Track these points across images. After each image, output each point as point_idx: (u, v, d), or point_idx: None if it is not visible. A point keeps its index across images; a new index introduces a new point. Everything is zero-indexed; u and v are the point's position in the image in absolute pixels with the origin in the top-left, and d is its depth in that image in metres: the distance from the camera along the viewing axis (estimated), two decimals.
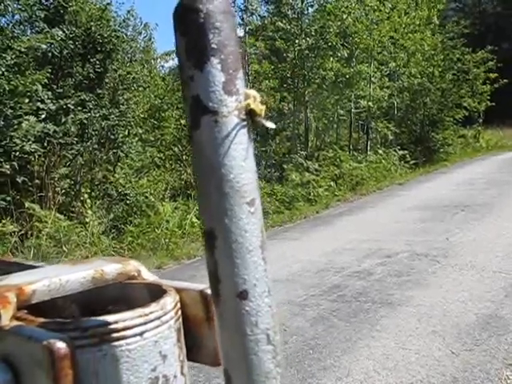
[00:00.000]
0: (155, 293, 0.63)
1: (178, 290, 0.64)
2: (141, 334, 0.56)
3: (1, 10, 7.41)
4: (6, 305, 0.56)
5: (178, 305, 0.62)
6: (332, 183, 12.67)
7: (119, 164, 9.36)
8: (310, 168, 12.84)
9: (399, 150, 17.04)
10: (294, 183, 11.83)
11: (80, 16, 8.78)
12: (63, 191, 8.21)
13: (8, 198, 7.11)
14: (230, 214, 0.46)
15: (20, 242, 6.96)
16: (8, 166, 7.02)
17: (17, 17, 7.95)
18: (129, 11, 10.73)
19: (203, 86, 0.45)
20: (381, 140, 18.05)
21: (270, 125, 0.51)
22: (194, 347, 0.65)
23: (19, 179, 7.25)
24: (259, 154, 12.85)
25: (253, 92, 0.48)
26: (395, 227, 8.46)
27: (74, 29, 8.50)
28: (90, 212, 7.91)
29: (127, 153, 9.37)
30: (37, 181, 7.65)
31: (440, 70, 19.89)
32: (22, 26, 8.19)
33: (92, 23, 8.77)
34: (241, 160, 0.46)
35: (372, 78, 15.91)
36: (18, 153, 7.13)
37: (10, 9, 7.58)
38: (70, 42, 8.31)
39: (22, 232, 7.09)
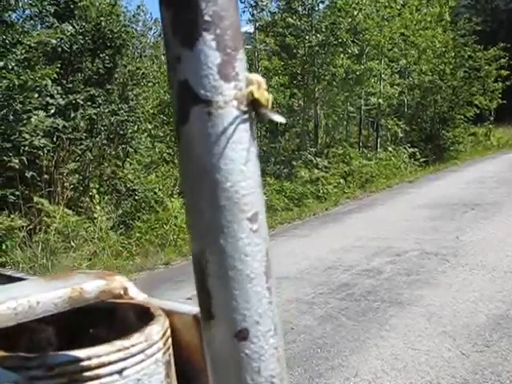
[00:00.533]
0: (143, 315, 0.55)
1: (169, 313, 0.55)
2: (120, 371, 0.48)
3: (12, 5, 7.40)
4: None
5: (168, 332, 0.53)
6: (341, 180, 12.61)
7: (128, 159, 9.35)
8: (320, 165, 12.77)
9: (409, 147, 16.93)
10: (303, 180, 11.78)
11: (90, 11, 8.76)
12: (72, 186, 8.21)
13: (17, 193, 7.11)
14: (227, 233, 0.37)
15: (28, 237, 6.97)
16: (17, 161, 7.02)
17: (27, 12, 7.96)
18: (139, 6, 10.77)
19: (193, 68, 0.36)
20: (391, 137, 17.93)
21: (279, 119, 0.41)
22: (188, 380, 0.56)
23: (28, 174, 7.25)
24: (268, 151, 12.79)
25: (257, 77, 0.39)
26: (405, 225, 8.40)
27: (83, 24, 8.49)
28: (98, 207, 7.91)
29: (136, 148, 9.35)
30: (45, 176, 7.65)
31: (451, 67, 19.73)
32: (32, 21, 8.20)
33: (102, 18, 8.76)
34: (240, 163, 0.37)
35: (382, 75, 15.80)
36: (27, 147, 7.13)
37: (20, 4, 7.58)
38: (80, 37, 8.29)
39: (31, 227, 7.09)
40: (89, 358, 0.46)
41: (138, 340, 0.49)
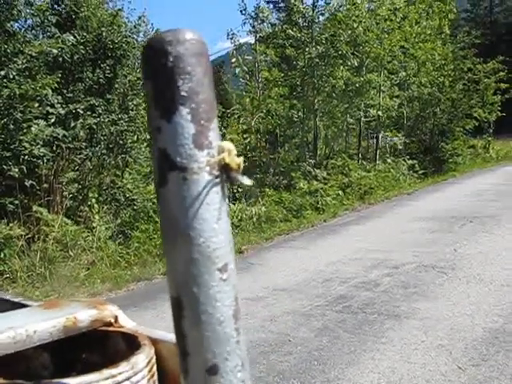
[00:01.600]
0: (131, 343, 0.59)
1: (154, 342, 0.59)
2: None
3: (14, 15, 7.45)
4: None
5: (153, 360, 0.57)
6: (340, 192, 12.61)
7: (127, 169, 9.36)
8: (319, 176, 12.79)
9: (408, 159, 16.97)
10: (302, 191, 11.79)
11: (91, 21, 8.81)
12: (71, 195, 8.21)
13: (16, 202, 7.12)
14: (199, 282, 0.42)
15: (27, 246, 6.97)
16: (16, 170, 7.03)
17: (29, 22, 8.00)
18: (140, 17, 10.67)
19: (171, 138, 0.41)
20: (390, 149, 17.98)
21: (247, 181, 0.47)
22: None
23: (27, 183, 7.26)
24: (267, 162, 12.83)
25: (228, 144, 0.44)
26: (403, 237, 8.40)
27: (85, 34, 8.53)
28: (97, 217, 7.92)
29: (135, 158, 9.37)
30: (45, 185, 7.66)
31: (450, 79, 19.82)
32: (34, 31, 8.24)
33: (103, 29, 8.79)
34: (213, 222, 0.42)
35: (382, 87, 15.87)
36: (26, 156, 7.14)
37: (22, 14, 7.63)
38: (81, 47, 8.33)
39: (29, 235, 7.09)
40: None
41: (124, 368, 0.53)
